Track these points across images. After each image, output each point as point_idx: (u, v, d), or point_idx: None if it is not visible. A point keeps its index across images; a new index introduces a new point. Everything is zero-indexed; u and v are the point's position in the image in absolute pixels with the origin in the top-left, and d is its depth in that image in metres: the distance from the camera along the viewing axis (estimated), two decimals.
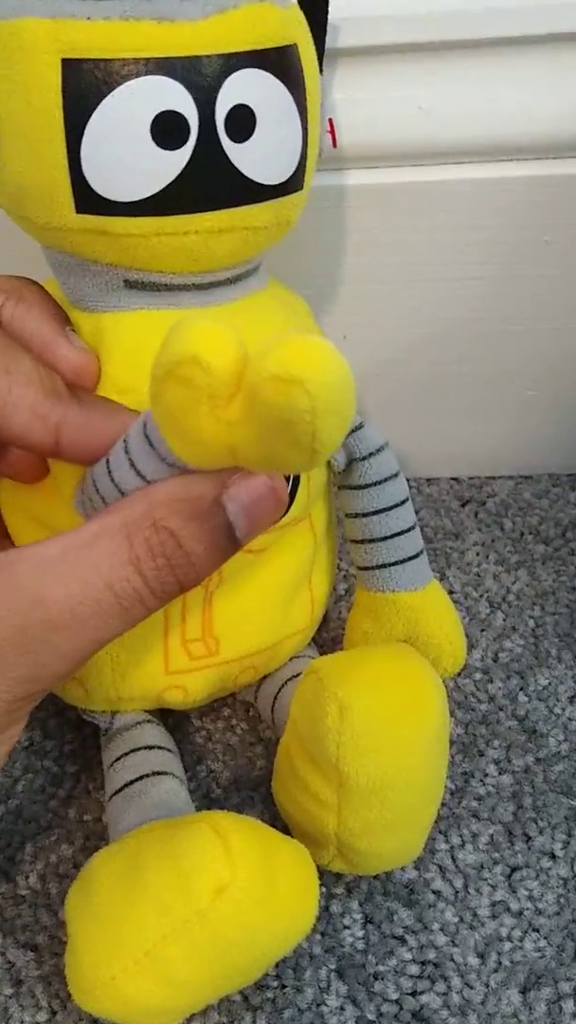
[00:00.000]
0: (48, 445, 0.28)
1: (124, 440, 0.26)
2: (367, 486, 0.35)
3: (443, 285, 0.45)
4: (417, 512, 0.51)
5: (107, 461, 0.27)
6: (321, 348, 0.20)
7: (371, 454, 0.35)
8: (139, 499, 0.25)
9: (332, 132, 0.40)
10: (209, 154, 0.27)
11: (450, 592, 0.47)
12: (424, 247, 0.43)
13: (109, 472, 0.27)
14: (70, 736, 0.41)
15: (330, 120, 0.40)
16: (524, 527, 0.50)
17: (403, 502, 0.36)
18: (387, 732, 0.30)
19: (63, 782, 0.39)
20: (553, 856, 0.37)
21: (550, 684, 0.42)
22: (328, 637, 0.45)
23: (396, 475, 0.36)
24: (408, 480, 0.53)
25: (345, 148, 0.41)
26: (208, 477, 0.24)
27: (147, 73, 0.26)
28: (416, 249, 0.44)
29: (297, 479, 0.34)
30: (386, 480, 0.36)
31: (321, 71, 0.32)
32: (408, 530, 0.36)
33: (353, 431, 0.35)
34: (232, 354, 0.21)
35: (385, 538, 0.36)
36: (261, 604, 0.35)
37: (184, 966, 0.28)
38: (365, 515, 0.36)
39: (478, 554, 0.49)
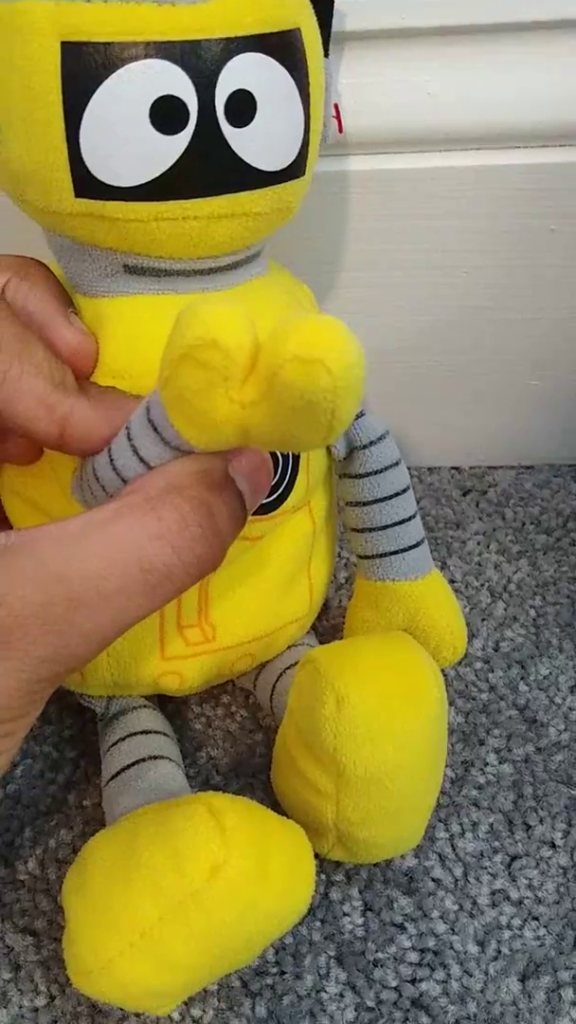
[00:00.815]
0: (52, 436, 0.28)
1: (126, 427, 0.26)
2: (368, 474, 0.35)
3: (445, 273, 0.45)
4: (418, 501, 0.51)
5: (108, 449, 0.27)
6: (338, 328, 0.20)
7: (372, 442, 0.35)
8: (156, 475, 0.25)
9: (338, 117, 0.40)
10: (208, 139, 0.27)
11: (451, 581, 0.47)
12: (427, 235, 0.43)
13: (111, 460, 0.27)
14: (69, 721, 0.41)
15: (336, 105, 0.39)
16: (525, 517, 0.50)
17: (404, 491, 0.36)
18: (384, 722, 0.30)
19: (62, 767, 0.39)
20: (553, 845, 0.37)
21: (551, 674, 0.42)
22: (328, 625, 0.44)
23: (397, 463, 0.36)
24: (409, 469, 0.53)
25: (349, 134, 0.40)
26: (214, 454, 0.25)
27: (146, 57, 0.26)
28: (419, 237, 0.43)
29: (296, 468, 0.34)
30: (387, 468, 0.35)
31: (327, 55, 0.32)
32: (409, 519, 0.36)
33: (355, 419, 0.35)
34: (248, 337, 0.21)
35: (385, 527, 0.36)
36: (258, 591, 0.35)
37: (180, 947, 0.28)
38: (365, 503, 0.36)
39: (479, 543, 0.49)
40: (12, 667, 0.23)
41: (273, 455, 0.32)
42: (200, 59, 0.26)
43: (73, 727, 0.41)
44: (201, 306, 0.21)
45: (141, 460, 0.25)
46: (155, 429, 0.25)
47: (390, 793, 0.30)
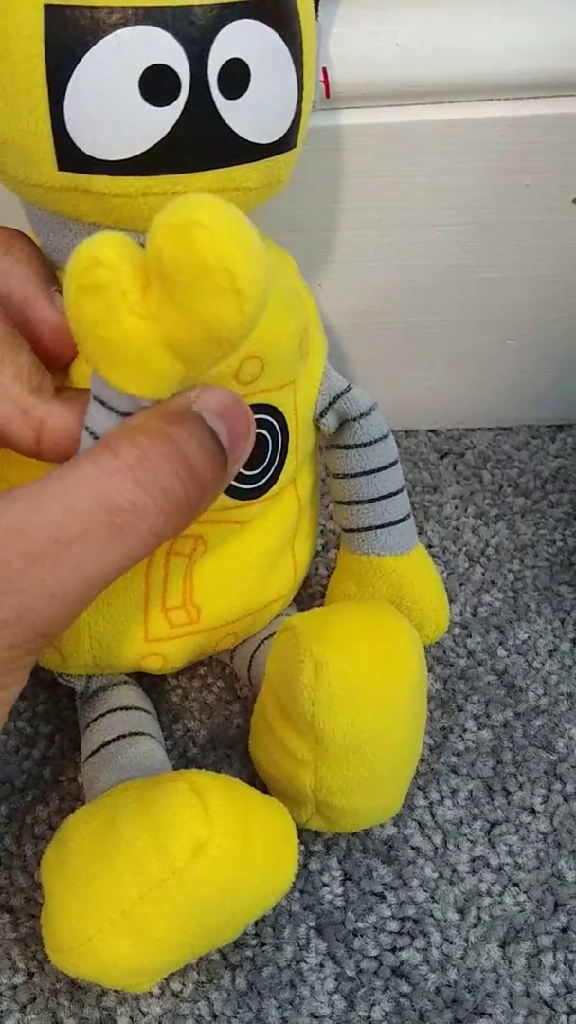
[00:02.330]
0: (29, 442, 0.27)
1: (85, 426, 0.25)
2: (356, 446, 0.35)
3: (418, 231, 0.44)
4: None
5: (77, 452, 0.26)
6: (201, 195, 0.20)
7: (362, 414, 0.35)
8: (113, 430, 0.24)
9: (326, 81, 0.38)
10: (201, 111, 0.26)
11: (429, 546, 0.46)
12: (398, 192, 0.42)
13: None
14: (43, 696, 0.40)
15: (324, 69, 0.38)
16: (503, 479, 0.50)
17: (391, 464, 0.35)
18: (363, 689, 0.30)
19: (37, 743, 0.39)
20: (533, 811, 0.36)
21: (529, 638, 0.42)
22: (307, 593, 0.44)
23: (386, 437, 0.35)
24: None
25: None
26: (173, 398, 0.24)
27: (136, 23, 0.24)
28: (390, 194, 0.42)
29: (285, 450, 0.33)
30: (376, 441, 0.35)
31: (317, 14, 0.31)
32: (395, 493, 0.36)
33: (343, 393, 0.34)
34: (128, 247, 0.21)
35: (372, 500, 0.35)
36: (244, 571, 0.34)
37: (161, 926, 0.27)
38: (353, 476, 0.35)
39: (456, 507, 0.48)
40: None
41: (263, 441, 0.32)
42: (193, 26, 0.25)
43: (47, 702, 0.40)
44: (81, 241, 0.21)
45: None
46: (109, 409, 0.24)
47: (369, 761, 0.30)
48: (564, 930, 0.33)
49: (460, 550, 0.46)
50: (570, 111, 0.40)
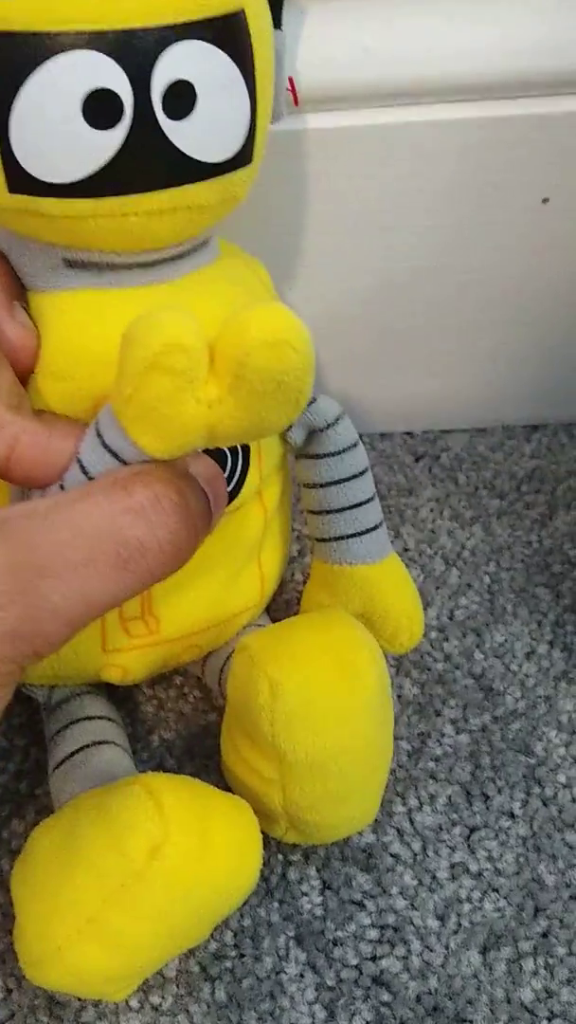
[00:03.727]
0: None
1: (79, 461, 0.26)
2: (326, 455, 0.34)
3: (391, 234, 0.44)
4: (371, 468, 0.50)
5: (61, 485, 0.26)
6: (289, 312, 0.23)
7: (329, 425, 0.34)
8: (122, 469, 0.25)
9: (293, 90, 0.38)
10: (146, 134, 0.25)
11: (404, 550, 0.46)
12: (366, 195, 0.42)
13: (62, 488, 0.26)
14: (18, 709, 0.40)
15: (290, 79, 0.38)
16: (479, 481, 0.49)
17: (362, 473, 0.35)
18: (320, 705, 0.30)
19: (12, 756, 0.38)
20: (512, 815, 0.36)
21: (506, 641, 0.42)
22: (282, 600, 0.44)
23: (355, 445, 0.35)
24: (361, 436, 0.52)
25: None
26: (171, 460, 0.25)
27: (76, 47, 0.24)
28: (358, 197, 0.42)
29: (247, 464, 0.33)
30: (344, 451, 0.35)
31: (280, 26, 0.30)
32: (366, 502, 0.35)
33: (307, 405, 0.34)
34: (203, 337, 0.23)
35: (343, 509, 0.35)
36: (205, 583, 0.34)
37: (127, 929, 0.28)
38: (323, 485, 0.35)
39: (432, 510, 0.48)
40: None
41: (223, 456, 0.32)
42: (134, 50, 0.25)
43: (22, 715, 0.40)
44: (157, 315, 0.22)
45: None
46: (112, 453, 0.25)
47: (335, 775, 0.30)
48: (544, 935, 0.33)
49: (436, 553, 0.46)
50: (537, 112, 0.40)
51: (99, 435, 0.25)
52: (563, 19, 0.38)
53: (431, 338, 0.49)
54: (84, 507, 0.23)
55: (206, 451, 0.30)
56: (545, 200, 0.43)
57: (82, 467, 0.25)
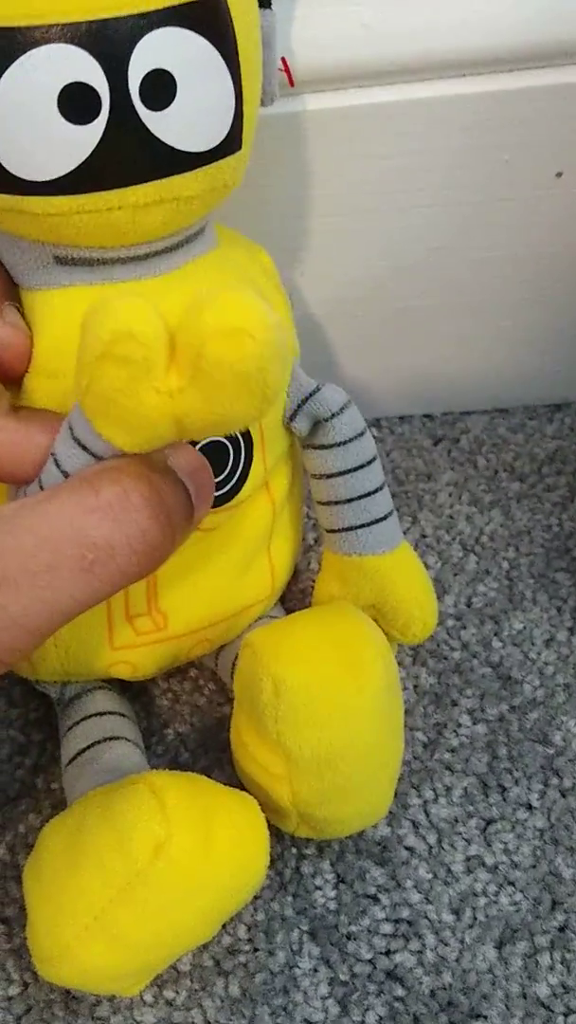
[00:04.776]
0: None
1: (53, 456, 0.25)
2: (332, 446, 0.34)
3: (400, 215, 0.43)
4: (388, 453, 0.49)
5: (39, 481, 0.26)
6: (248, 299, 0.21)
7: (335, 414, 0.33)
8: (90, 466, 0.24)
9: (287, 70, 0.37)
10: (125, 126, 0.25)
11: (422, 536, 0.45)
12: (372, 175, 0.41)
13: (40, 487, 0.26)
14: (35, 704, 0.40)
15: (283, 59, 0.37)
16: (499, 464, 0.48)
17: (370, 462, 0.34)
18: (325, 702, 0.30)
19: (29, 751, 0.39)
20: (529, 807, 0.36)
21: (525, 628, 0.41)
22: (297, 589, 0.43)
23: (362, 434, 0.34)
24: (379, 420, 0.52)
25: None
26: (148, 452, 0.24)
27: (49, 41, 0.24)
28: (364, 178, 0.41)
29: (250, 459, 0.32)
30: (352, 440, 0.34)
31: (270, 5, 0.29)
32: (375, 491, 0.35)
33: (312, 395, 0.33)
34: (160, 324, 0.21)
35: (351, 500, 0.34)
36: (212, 578, 0.34)
37: (134, 927, 0.28)
38: (331, 476, 0.34)
39: (451, 495, 0.47)
40: None
41: (223, 450, 0.31)
42: (108, 40, 0.24)
43: (39, 709, 0.40)
44: (109, 302, 0.21)
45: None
46: (83, 447, 0.24)
47: (342, 771, 0.30)
48: (561, 929, 0.33)
49: (454, 539, 0.45)
50: (547, 83, 0.38)
51: (71, 429, 0.24)
52: None
53: (447, 318, 0.48)
54: (48, 509, 0.23)
55: (208, 442, 0.30)
56: (559, 174, 0.42)
57: (57, 463, 0.25)
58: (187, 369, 0.22)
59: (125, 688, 0.38)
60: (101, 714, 0.35)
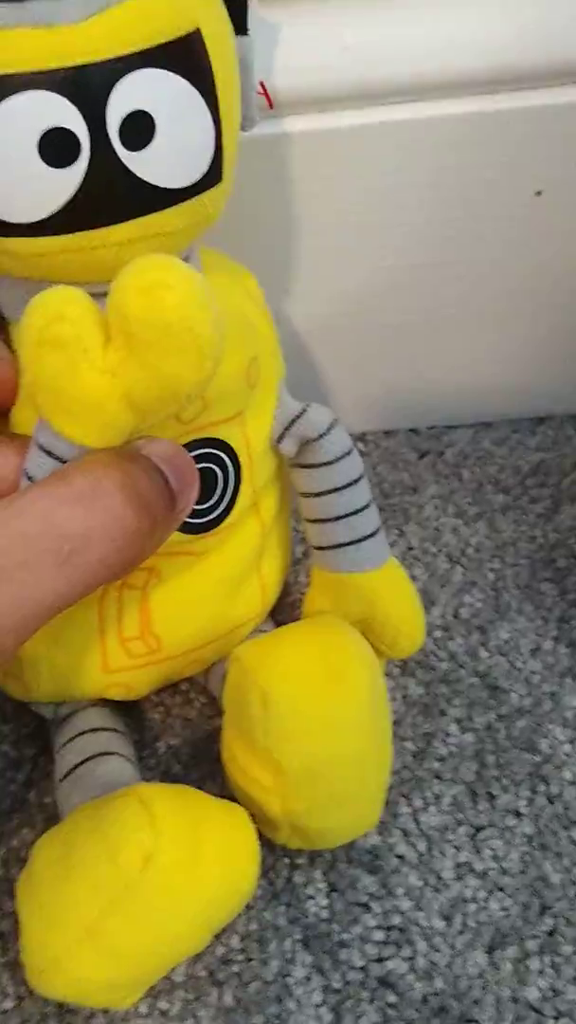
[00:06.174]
0: None
1: (24, 471, 0.25)
2: (320, 465, 0.34)
3: (384, 232, 0.43)
4: (374, 467, 0.50)
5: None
6: (165, 258, 0.22)
7: (321, 435, 0.34)
8: (67, 463, 0.24)
9: (265, 94, 0.38)
10: (106, 168, 0.25)
11: (408, 549, 0.46)
12: (356, 195, 0.41)
13: None
14: (27, 719, 0.40)
15: (261, 82, 0.37)
16: (483, 477, 0.49)
17: (357, 480, 0.35)
18: (312, 714, 0.30)
19: (22, 766, 0.39)
20: (517, 814, 0.36)
21: (511, 638, 0.42)
22: (287, 603, 0.44)
23: (349, 452, 0.35)
24: (365, 434, 0.52)
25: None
26: (122, 445, 0.24)
27: (27, 88, 0.24)
28: (347, 198, 0.42)
29: (239, 483, 0.33)
30: (339, 459, 0.34)
31: (246, 31, 0.30)
32: (362, 509, 0.35)
33: (298, 417, 0.34)
34: (90, 302, 0.23)
35: (339, 517, 0.35)
36: (202, 600, 0.34)
37: (125, 939, 0.28)
38: (319, 494, 0.35)
39: (436, 507, 0.48)
40: None
41: (211, 474, 0.32)
42: (86, 86, 0.24)
43: (31, 724, 0.40)
44: (41, 294, 0.23)
45: None
46: (49, 453, 0.24)
47: (331, 783, 0.30)
48: (550, 933, 0.33)
49: (440, 551, 0.46)
50: (525, 104, 0.39)
51: (37, 439, 0.25)
52: (547, 8, 0.38)
53: (431, 334, 0.49)
54: (19, 505, 0.22)
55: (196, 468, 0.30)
56: (538, 193, 0.43)
57: (29, 479, 0.25)
58: (119, 337, 0.22)
59: (118, 703, 0.38)
60: (95, 730, 0.35)
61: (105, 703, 0.37)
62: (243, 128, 0.31)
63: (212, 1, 0.27)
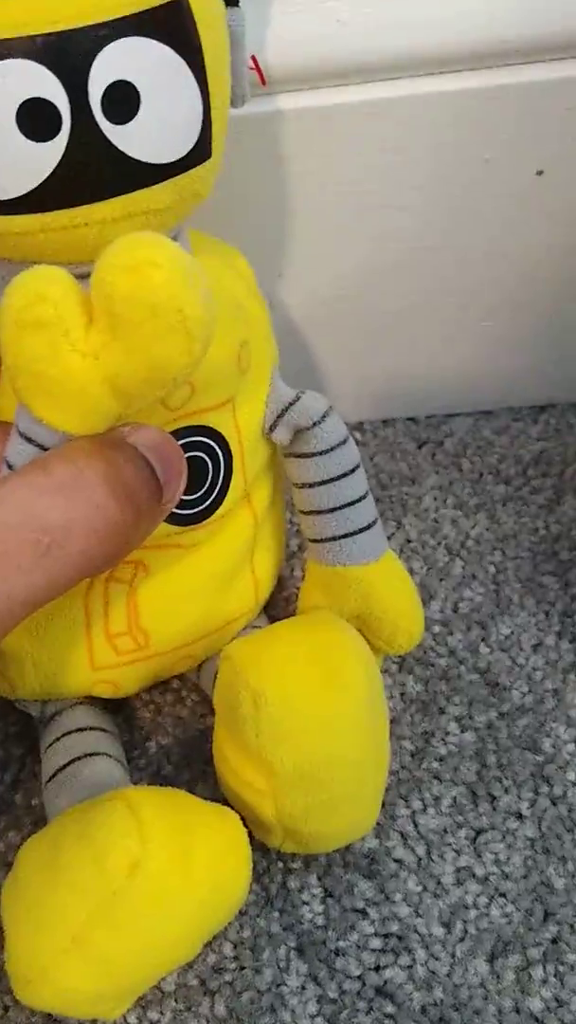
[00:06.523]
0: None
1: (5, 460, 0.24)
2: (314, 454, 0.33)
3: (382, 214, 0.42)
4: (372, 457, 0.49)
5: None
6: (151, 236, 0.21)
7: (315, 423, 0.33)
8: (48, 452, 0.23)
9: (258, 69, 0.36)
10: (88, 142, 0.24)
11: (407, 541, 0.45)
12: (356, 174, 0.40)
13: None
14: (13, 718, 0.39)
15: (253, 57, 0.36)
16: (483, 467, 0.48)
17: (353, 470, 0.34)
18: (305, 714, 0.29)
19: (8, 766, 0.38)
20: (520, 816, 0.35)
21: (512, 633, 0.41)
22: (282, 597, 0.43)
23: (345, 441, 0.34)
24: (362, 423, 0.51)
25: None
26: (106, 432, 0.23)
27: (4, 56, 0.23)
28: (343, 178, 0.40)
29: (229, 474, 0.32)
30: (334, 448, 0.33)
31: (237, 3, 0.28)
32: (358, 500, 0.34)
33: (291, 404, 0.33)
34: (71, 281, 0.21)
35: (334, 509, 0.34)
36: (193, 595, 0.33)
37: (112, 947, 0.27)
38: (313, 485, 0.34)
39: (435, 499, 0.46)
40: None
41: (202, 464, 0.30)
42: (67, 53, 0.23)
43: (18, 723, 0.39)
44: (20, 275, 0.21)
45: None
46: (29, 440, 0.23)
47: (325, 785, 0.29)
48: (554, 941, 0.32)
49: (439, 543, 0.44)
50: (525, 80, 0.38)
51: (17, 426, 0.24)
52: None
53: (429, 320, 0.47)
54: None
55: (185, 456, 0.29)
56: (540, 172, 0.41)
57: (9, 467, 0.24)
58: (103, 319, 0.21)
59: (107, 702, 0.37)
60: (82, 729, 0.34)
61: (93, 701, 0.36)
62: (234, 105, 0.29)
63: None
